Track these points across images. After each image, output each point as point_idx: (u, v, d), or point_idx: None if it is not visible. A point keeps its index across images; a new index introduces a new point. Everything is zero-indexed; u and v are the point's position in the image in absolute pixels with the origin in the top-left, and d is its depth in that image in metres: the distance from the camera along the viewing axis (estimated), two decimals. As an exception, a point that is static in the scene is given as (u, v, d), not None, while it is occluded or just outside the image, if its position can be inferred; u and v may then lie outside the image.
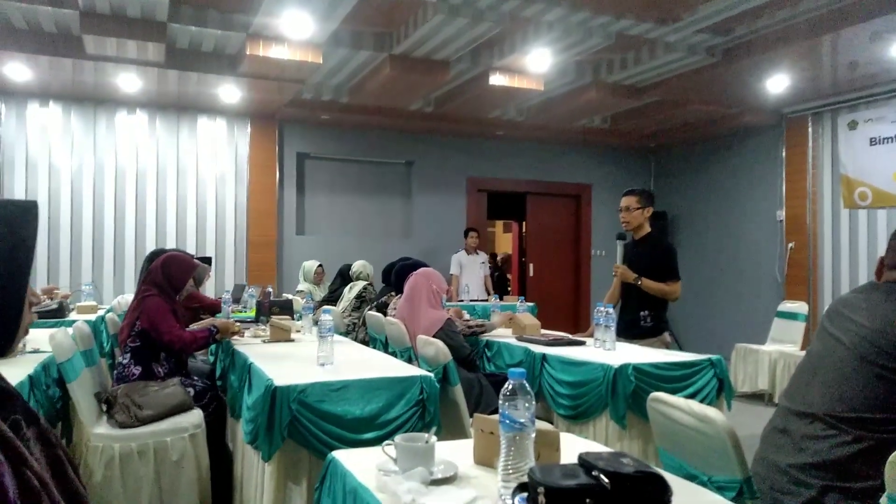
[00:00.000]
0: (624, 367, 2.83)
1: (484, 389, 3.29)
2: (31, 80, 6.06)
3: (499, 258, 11.42)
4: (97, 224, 6.81)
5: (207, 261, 5.87)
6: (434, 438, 1.39)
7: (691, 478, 1.53)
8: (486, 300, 7.02)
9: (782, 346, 6.05)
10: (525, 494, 1.13)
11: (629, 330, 3.85)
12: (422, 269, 3.56)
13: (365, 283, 5.65)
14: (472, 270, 7.73)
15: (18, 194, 6.51)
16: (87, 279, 6.45)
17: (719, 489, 1.43)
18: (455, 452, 1.53)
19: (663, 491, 1.07)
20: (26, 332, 1.01)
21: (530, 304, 6.98)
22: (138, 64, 5.64)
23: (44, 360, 2.81)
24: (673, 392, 2.75)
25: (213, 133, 7.28)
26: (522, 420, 1.21)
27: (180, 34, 5.35)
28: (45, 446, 1.01)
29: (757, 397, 6.03)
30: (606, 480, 1.05)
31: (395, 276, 4.20)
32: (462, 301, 6.93)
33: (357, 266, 5.84)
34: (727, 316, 8.21)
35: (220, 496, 3.10)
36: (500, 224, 13.63)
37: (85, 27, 4.84)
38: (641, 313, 3.79)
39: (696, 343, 7.75)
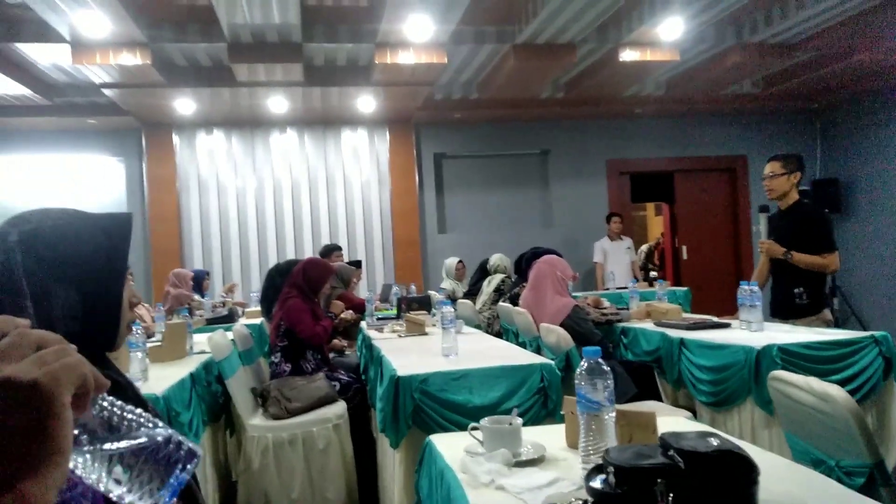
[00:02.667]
0: (768, 349, 2.60)
1: (618, 377, 3.16)
2: (196, 112, 6.79)
3: (645, 248, 10.82)
4: (261, 235, 7.48)
5: (357, 264, 6.23)
6: (519, 421, 1.37)
7: (818, 463, 1.37)
8: (636, 287, 6.74)
9: None
10: (603, 476, 1.09)
11: (783, 309, 3.53)
12: (546, 257, 3.51)
13: (503, 275, 5.67)
14: (616, 257, 7.47)
15: (193, 213, 7.33)
16: (256, 287, 7.09)
17: (847, 475, 1.27)
18: (556, 436, 1.50)
19: (747, 471, 0.98)
20: (129, 329, 1.14)
21: (683, 288, 6.62)
22: (283, 85, 6.11)
23: (205, 359, 3.14)
24: (827, 374, 2.49)
25: (356, 142, 7.69)
26: (598, 400, 1.16)
27: (315, 52, 5.71)
28: None
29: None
30: (681, 460, 0.98)
31: (523, 265, 4.17)
32: (608, 289, 6.72)
33: (494, 259, 5.88)
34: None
35: (365, 483, 3.28)
36: (650, 207, 13.02)
37: (233, 57, 5.33)
38: (795, 290, 3.45)
39: (882, 323, 6.89)
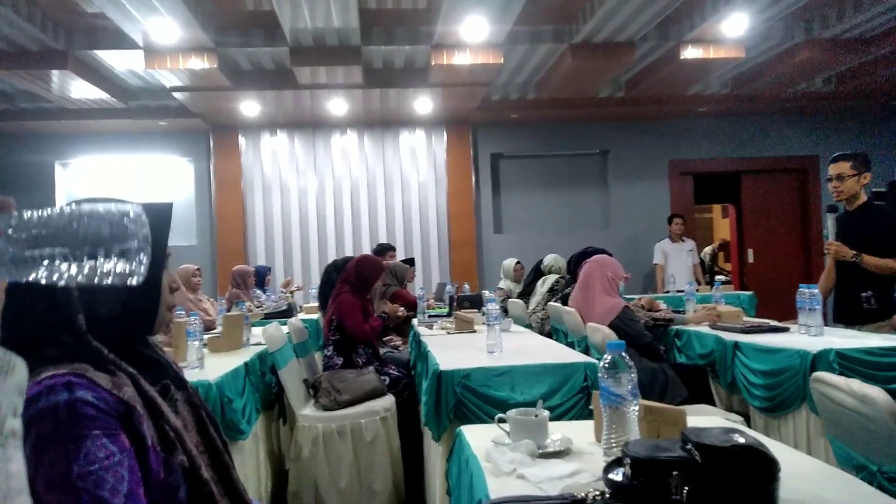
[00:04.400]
0: (824, 353, 2.50)
1: (669, 380, 3.11)
2: (261, 114, 7.03)
3: (709, 250, 10.47)
4: (321, 233, 7.67)
5: (411, 262, 6.30)
6: (545, 413, 1.38)
7: (860, 468, 1.32)
8: (697, 290, 6.56)
9: None
10: (621, 468, 1.09)
11: (848, 314, 3.38)
12: (596, 256, 3.48)
13: (557, 276, 5.63)
14: (677, 259, 7.30)
15: (257, 212, 7.59)
16: (315, 282, 7.28)
17: (890, 480, 1.23)
18: (587, 432, 1.50)
19: (766, 468, 0.96)
20: (170, 312, 1.21)
21: (748, 293, 6.40)
22: (343, 87, 6.26)
23: (260, 350, 3.26)
24: (891, 382, 2.38)
25: (413, 143, 7.79)
26: (621, 393, 1.16)
27: (374, 55, 5.82)
28: (192, 407, 1.21)
29: None
30: (698, 454, 0.97)
31: (569, 265, 4.15)
32: (667, 292, 6.57)
33: (548, 260, 5.84)
34: None
35: (412, 476, 3.33)
36: (717, 209, 12.63)
37: (294, 60, 5.50)
38: (863, 294, 3.29)
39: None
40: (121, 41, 5.08)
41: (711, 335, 3.36)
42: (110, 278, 0.61)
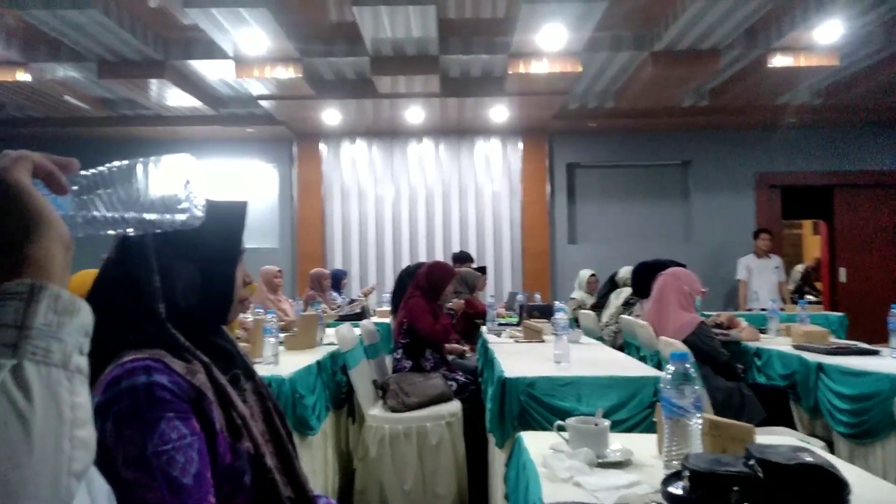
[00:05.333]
0: (918, 379, 2.34)
1: (746, 400, 2.98)
2: (341, 122, 7.24)
3: (801, 268, 9.93)
4: (396, 240, 7.81)
5: (482, 270, 6.32)
6: (606, 423, 1.36)
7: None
8: (782, 309, 6.26)
9: None
10: (680, 481, 1.06)
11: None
12: (672, 269, 3.38)
13: (632, 289, 5.50)
14: (763, 276, 6.97)
15: (336, 217, 7.81)
16: (389, 287, 7.40)
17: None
18: (650, 444, 1.46)
19: (834, 489, 0.92)
20: (242, 305, 1.26)
21: (839, 314, 6.05)
22: (421, 96, 6.37)
23: (332, 350, 3.36)
24: None
25: (489, 152, 7.82)
26: (683, 405, 1.13)
27: (452, 64, 5.90)
28: (259, 398, 1.26)
29: None
30: (760, 470, 0.94)
31: (634, 277, 4.05)
32: (750, 310, 6.30)
33: (623, 272, 5.71)
34: None
35: (476, 482, 3.33)
36: (807, 225, 11.99)
37: (374, 70, 5.64)
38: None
39: None
40: (213, 52, 5.36)
41: (794, 355, 3.20)
42: (165, 227, 0.71)
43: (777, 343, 3.64)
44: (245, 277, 1.25)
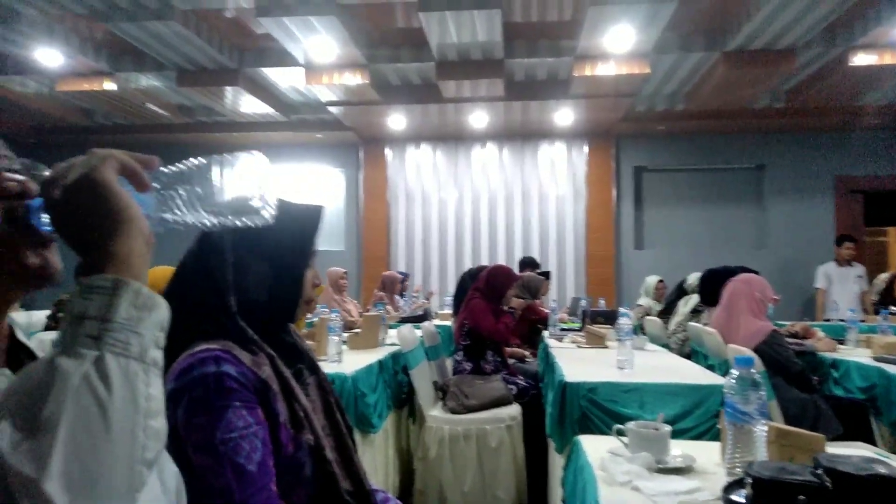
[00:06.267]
0: None
1: (821, 413, 2.85)
2: (406, 127, 7.34)
3: (885, 277, 9.35)
4: (458, 243, 7.85)
5: (546, 275, 6.26)
6: (667, 428, 1.33)
7: None
8: (863, 320, 5.94)
9: None
10: (742, 490, 1.03)
11: None
12: (743, 275, 3.26)
13: (700, 296, 5.33)
14: (843, 285, 6.63)
15: (400, 222, 7.92)
16: (451, 290, 7.44)
17: None
18: (714, 452, 1.42)
19: (910, 504, 0.87)
20: (309, 305, 1.30)
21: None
22: (485, 100, 6.39)
23: (394, 350, 3.40)
24: None
25: (553, 156, 7.76)
26: (748, 411, 1.10)
27: (517, 68, 5.89)
28: (322, 392, 1.30)
29: None
30: (829, 480, 0.90)
31: (702, 284, 3.93)
32: (828, 320, 6.01)
33: (692, 279, 5.54)
34: None
35: (536, 486, 3.30)
36: (893, 231, 11.31)
37: (440, 75, 5.69)
38: None
39: None
40: (284, 60, 5.54)
41: (875, 367, 3.03)
42: (239, 224, 0.75)
43: (856, 354, 3.46)
44: (314, 279, 1.28)
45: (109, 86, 5.92)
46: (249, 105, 6.63)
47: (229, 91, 6.13)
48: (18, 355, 0.65)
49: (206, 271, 1.14)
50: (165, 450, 0.77)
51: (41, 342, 0.76)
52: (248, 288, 1.16)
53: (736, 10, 4.84)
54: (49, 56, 5.24)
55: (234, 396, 1.04)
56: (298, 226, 1.23)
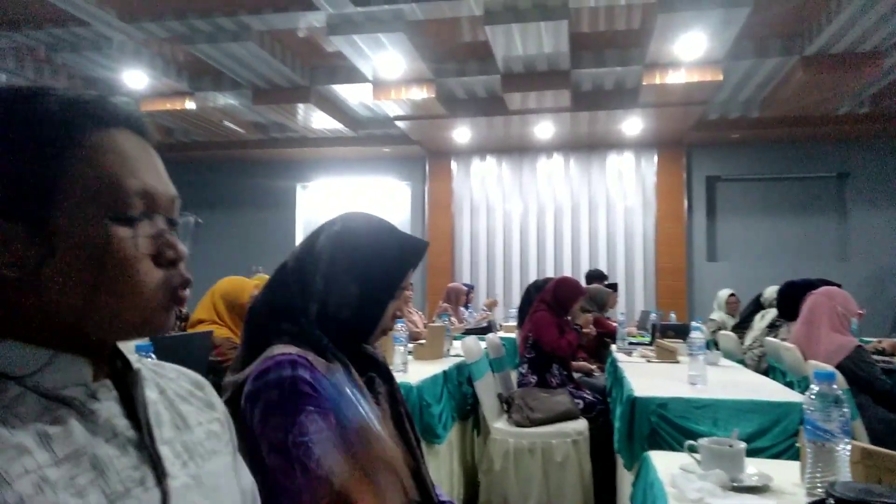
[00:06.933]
0: None
1: (911, 436, 2.68)
2: (472, 140, 7.38)
3: None
4: (524, 255, 7.81)
5: (613, 287, 6.15)
6: (742, 445, 1.28)
7: None
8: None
9: None
10: (824, 511, 0.98)
11: None
12: (824, 288, 3.11)
13: (778, 310, 5.11)
14: (936, 300, 6.23)
15: (465, 233, 7.95)
16: (516, 302, 7.40)
17: None
18: (792, 472, 1.36)
19: None
20: (384, 333, 1.30)
21: None
22: (551, 112, 6.36)
23: (458, 361, 3.41)
24: None
25: (621, 166, 7.63)
26: (829, 429, 1.05)
27: (583, 78, 5.84)
28: (392, 401, 1.31)
29: None
30: (920, 505, 0.85)
31: (780, 297, 3.76)
32: (920, 337, 5.64)
33: (769, 292, 5.32)
34: None
35: (603, 503, 3.23)
36: None
37: (506, 87, 5.71)
38: None
39: None
40: (353, 76, 5.69)
41: (974, 388, 2.83)
42: None
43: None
44: (397, 311, 1.27)
45: (190, 105, 6.22)
46: (320, 121, 6.82)
47: (301, 108, 6.33)
48: (115, 363, 0.65)
49: (299, 273, 1.18)
50: (241, 449, 0.80)
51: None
52: (331, 302, 1.18)
53: (815, 14, 4.65)
54: (135, 78, 5.56)
55: (308, 401, 1.06)
56: (397, 256, 1.24)
